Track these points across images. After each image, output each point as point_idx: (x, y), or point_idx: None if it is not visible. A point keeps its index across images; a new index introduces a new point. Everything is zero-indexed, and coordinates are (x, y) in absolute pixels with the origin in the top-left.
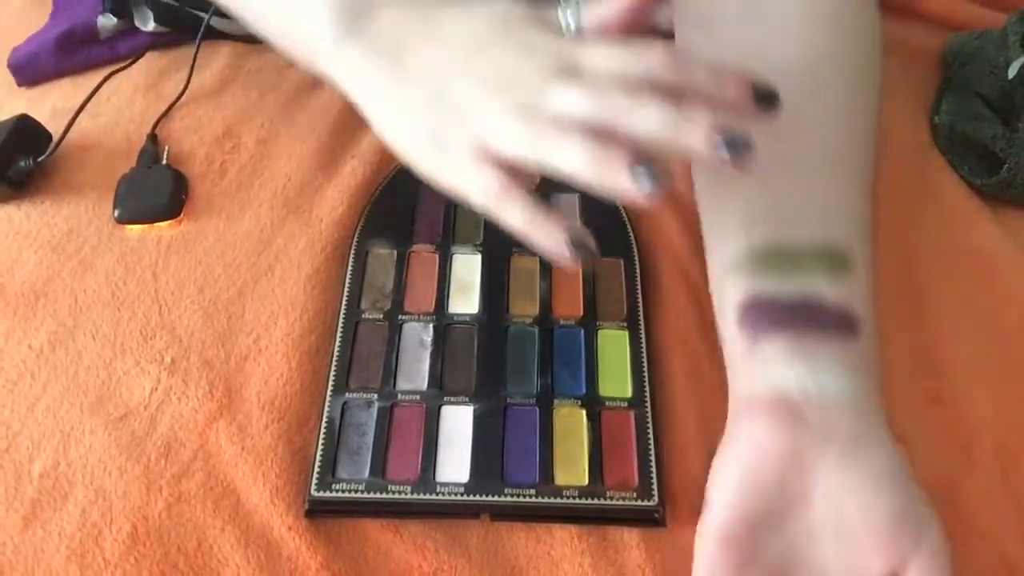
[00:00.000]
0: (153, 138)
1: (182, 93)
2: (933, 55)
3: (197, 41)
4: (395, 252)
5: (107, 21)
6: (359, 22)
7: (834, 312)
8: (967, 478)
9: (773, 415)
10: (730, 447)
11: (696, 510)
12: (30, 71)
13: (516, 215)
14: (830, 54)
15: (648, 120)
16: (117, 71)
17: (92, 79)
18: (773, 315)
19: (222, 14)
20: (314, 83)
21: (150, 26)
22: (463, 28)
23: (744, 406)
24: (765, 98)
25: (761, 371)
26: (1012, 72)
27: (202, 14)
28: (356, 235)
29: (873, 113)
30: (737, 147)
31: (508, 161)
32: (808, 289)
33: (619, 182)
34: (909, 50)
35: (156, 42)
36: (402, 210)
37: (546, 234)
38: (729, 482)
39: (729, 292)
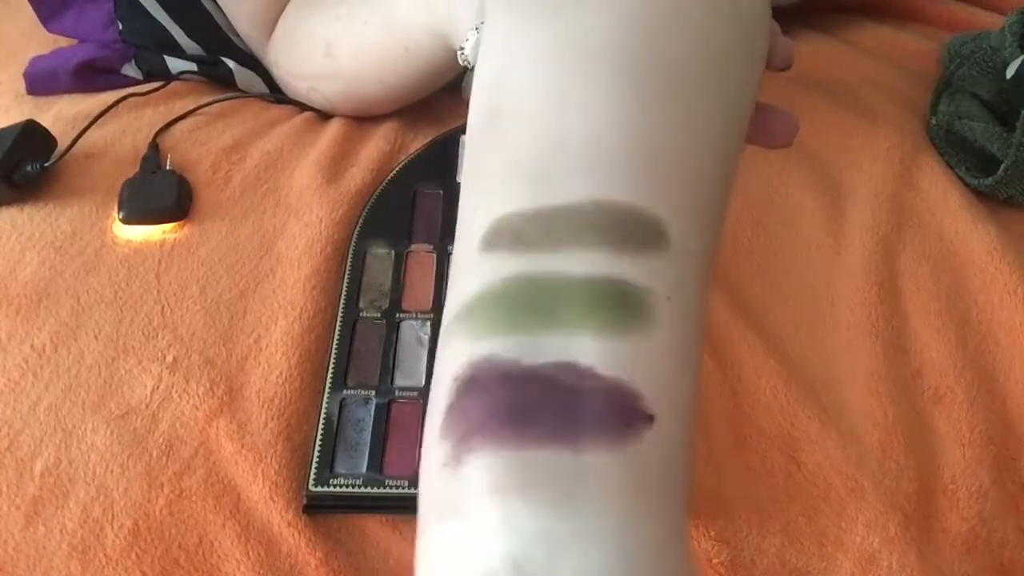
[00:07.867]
0: (154, 146)
1: (197, 108)
2: (930, 58)
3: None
4: (393, 252)
5: (132, 72)
6: None
7: (599, 401)
8: (958, 481)
9: None
10: None
11: (694, 513)
12: (43, 86)
13: None
14: None
15: None
16: (134, 95)
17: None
18: (493, 408)
19: (246, 68)
20: (324, 116)
21: (178, 67)
22: None
23: None
24: None
25: (457, 524)
26: (1010, 72)
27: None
28: (355, 236)
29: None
30: None
31: None
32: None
33: None
34: (906, 53)
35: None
36: (400, 211)
37: None
38: None
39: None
